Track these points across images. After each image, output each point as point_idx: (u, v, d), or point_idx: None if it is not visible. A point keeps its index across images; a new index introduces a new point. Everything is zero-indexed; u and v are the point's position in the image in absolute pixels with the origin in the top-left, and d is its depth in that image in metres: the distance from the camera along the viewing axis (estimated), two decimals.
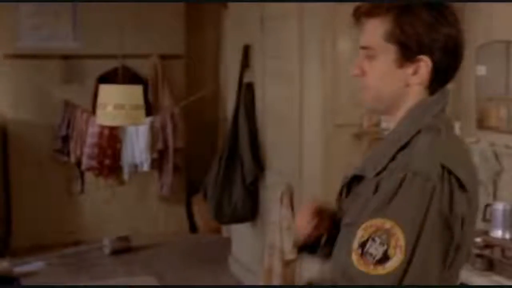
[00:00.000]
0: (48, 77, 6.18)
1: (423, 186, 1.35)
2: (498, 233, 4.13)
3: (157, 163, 6.26)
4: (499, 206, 4.18)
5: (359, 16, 1.53)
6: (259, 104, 5.01)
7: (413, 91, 1.51)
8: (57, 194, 6.33)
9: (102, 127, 5.80)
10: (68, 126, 6.14)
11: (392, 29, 1.46)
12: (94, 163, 6.04)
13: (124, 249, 6.12)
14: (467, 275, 3.47)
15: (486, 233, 4.24)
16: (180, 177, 6.55)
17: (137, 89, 4.63)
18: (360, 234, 1.35)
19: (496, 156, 4.46)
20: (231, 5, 5.71)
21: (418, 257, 1.32)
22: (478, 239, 4.19)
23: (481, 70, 4.35)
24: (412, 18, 1.45)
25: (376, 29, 1.49)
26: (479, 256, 4.09)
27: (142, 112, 4.60)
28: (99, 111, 4.52)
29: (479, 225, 4.65)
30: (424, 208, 1.34)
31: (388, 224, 1.33)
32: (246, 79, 5.16)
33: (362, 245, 1.34)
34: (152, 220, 6.67)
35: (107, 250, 6.05)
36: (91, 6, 6.23)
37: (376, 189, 1.40)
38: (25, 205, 6.17)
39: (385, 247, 1.32)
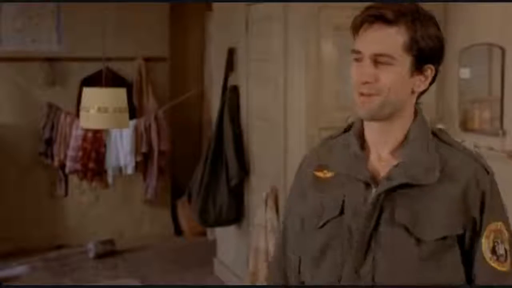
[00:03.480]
0: (31, 79, 6.14)
1: (496, 183, 1.60)
2: None
3: (142, 166, 6.23)
4: None
5: (374, 21, 1.53)
6: (243, 107, 5.01)
7: (413, 97, 1.60)
8: (40, 197, 6.29)
9: (86, 130, 5.77)
10: (51, 129, 6.10)
11: (410, 42, 1.52)
12: (78, 166, 6.01)
13: (108, 252, 6.09)
14: None
15: None
16: (165, 180, 6.53)
17: (121, 92, 4.61)
18: (486, 243, 1.55)
19: None
20: (215, 7, 5.70)
21: None
22: None
23: (465, 72, 4.37)
24: (425, 32, 1.53)
25: (393, 38, 1.52)
26: None
27: (126, 115, 4.58)
28: (82, 114, 4.49)
29: None
30: (502, 200, 1.60)
31: (499, 225, 1.56)
32: (230, 82, 5.15)
33: (493, 251, 1.55)
34: (136, 223, 6.64)
35: (91, 254, 6.02)
36: (74, 9, 6.19)
37: (463, 196, 1.54)
38: (8, 208, 6.12)
39: (503, 245, 1.56)
